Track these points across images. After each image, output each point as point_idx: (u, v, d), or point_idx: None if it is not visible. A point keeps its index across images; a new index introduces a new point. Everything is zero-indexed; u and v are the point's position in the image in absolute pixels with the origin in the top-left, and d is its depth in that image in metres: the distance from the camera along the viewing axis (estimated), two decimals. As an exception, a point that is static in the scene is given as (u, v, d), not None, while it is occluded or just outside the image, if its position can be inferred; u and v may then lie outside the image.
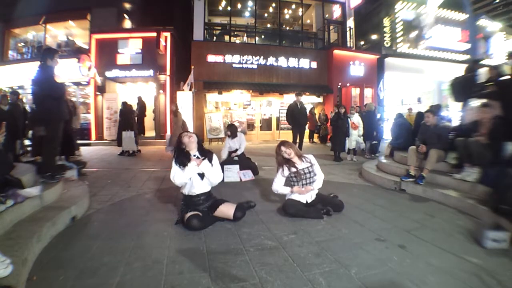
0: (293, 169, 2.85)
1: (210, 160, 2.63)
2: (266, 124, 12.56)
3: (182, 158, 2.56)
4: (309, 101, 12.21)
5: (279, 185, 2.89)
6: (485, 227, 2.16)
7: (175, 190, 3.26)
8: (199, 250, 2.07)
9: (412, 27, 13.86)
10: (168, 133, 7.01)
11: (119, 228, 2.52)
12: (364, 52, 13.95)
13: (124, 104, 7.92)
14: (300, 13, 13.78)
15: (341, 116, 6.63)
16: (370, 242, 2.21)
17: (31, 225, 2.17)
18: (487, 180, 2.89)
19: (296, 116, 6.63)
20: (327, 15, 13.58)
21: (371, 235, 2.35)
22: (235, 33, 13.15)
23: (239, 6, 13.45)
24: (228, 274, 1.74)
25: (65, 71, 10.27)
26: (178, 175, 2.53)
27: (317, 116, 11.66)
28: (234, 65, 11.49)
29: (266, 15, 14.58)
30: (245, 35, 13.41)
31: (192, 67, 10.35)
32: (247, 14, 13.99)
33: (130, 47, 11.38)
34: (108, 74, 11.18)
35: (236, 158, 4.93)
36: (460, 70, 4.58)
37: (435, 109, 4.69)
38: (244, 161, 4.91)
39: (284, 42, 13.33)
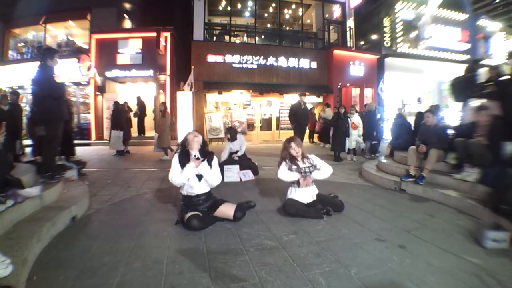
0: (294, 167, 2.89)
1: (210, 162, 2.62)
2: (266, 124, 12.56)
3: (183, 157, 2.56)
4: (309, 101, 12.19)
5: (284, 170, 2.89)
6: (485, 227, 2.16)
7: (175, 190, 3.26)
8: (199, 250, 2.07)
9: (412, 27, 13.86)
10: (155, 133, 7.05)
11: (119, 228, 2.52)
12: (364, 52, 13.95)
13: (116, 104, 7.98)
14: (300, 13, 13.77)
15: (341, 116, 6.64)
16: (370, 242, 2.22)
17: (31, 225, 2.17)
18: (487, 180, 2.89)
19: (299, 116, 6.64)
20: (327, 15, 13.58)
21: (371, 235, 2.35)
22: (235, 33, 13.14)
23: (239, 6, 13.45)
24: (228, 274, 1.74)
25: (65, 71, 10.28)
26: (176, 175, 2.53)
27: (317, 116, 11.66)
28: (234, 65, 11.49)
29: (266, 15, 14.58)
30: (245, 35, 13.41)
31: (192, 67, 10.33)
32: (247, 14, 13.99)
33: (130, 47, 11.37)
34: (108, 74, 11.18)
35: (236, 158, 4.95)
36: (460, 70, 4.58)
37: (434, 109, 4.69)
38: (244, 161, 4.91)
39: (284, 42, 13.32)
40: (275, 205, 3.13)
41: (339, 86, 12.33)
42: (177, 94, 10.12)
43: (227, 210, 2.58)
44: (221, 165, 4.08)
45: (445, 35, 13.90)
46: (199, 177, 2.57)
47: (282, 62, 11.97)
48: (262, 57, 11.73)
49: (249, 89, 11.35)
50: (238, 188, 3.99)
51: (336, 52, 12.42)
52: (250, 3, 13.34)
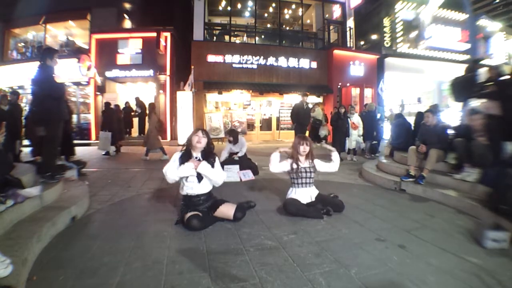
0: (295, 166, 2.90)
1: (212, 162, 2.60)
2: (266, 124, 12.57)
3: (184, 156, 2.55)
4: (309, 101, 12.19)
5: (276, 161, 3.01)
6: (485, 227, 2.16)
7: (175, 190, 3.26)
8: (199, 250, 2.06)
9: (412, 27, 13.86)
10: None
11: (119, 228, 2.51)
12: (364, 52, 13.96)
13: (106, 104, 8.04)
14: (300, 13, 13.78)
15: (341, 116, 6.64)
16: (370, 242, 2.21)
17: (31, 225, 2.17)
18: (487, 180, 2.88)
19: (301, 116, 6.64)
20: (327, 15, 13.58)
21: (371, 235, 2.35)
22: (235, 33, 13.15)
23: (239, 6, 13.45)
24: (228, 274, 1.74)
25: (65, 71, 10.29)
26: (171, 170, 2.50)
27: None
28: (234, 65, 11.49)
29: (266, 15, 14.59)
30: (245, 35, 13.42)
31: (192, 67, 10.35)
32: (247, 14, 14.00)
33: (130, 47, 11.39)
34: (108, 74, 11.19)
35: (236, 158, 4.95)
36: (460, 70, 4.58)
37: (434, 109, 4.69)
38: (244, 161, 4.92)
39: (284, 42, 13.33)
40: (275, 205, 3.13)
41: (339, 86, 12.34)
42: (177, 94, 10.15)
43: (227, 210, 2.58)
44: (221, 165, 4.07)
45: (445, 35, 13.92)
46: (199, 177, 2.56)
47: (282, 62, 11.97)
48: (262, 57, 11.74)
49: (249, 89, 11.36)
50: (238, 188, 3.98)
51: (336, 52, 12.42)
52: (250, 3, 13.35)
